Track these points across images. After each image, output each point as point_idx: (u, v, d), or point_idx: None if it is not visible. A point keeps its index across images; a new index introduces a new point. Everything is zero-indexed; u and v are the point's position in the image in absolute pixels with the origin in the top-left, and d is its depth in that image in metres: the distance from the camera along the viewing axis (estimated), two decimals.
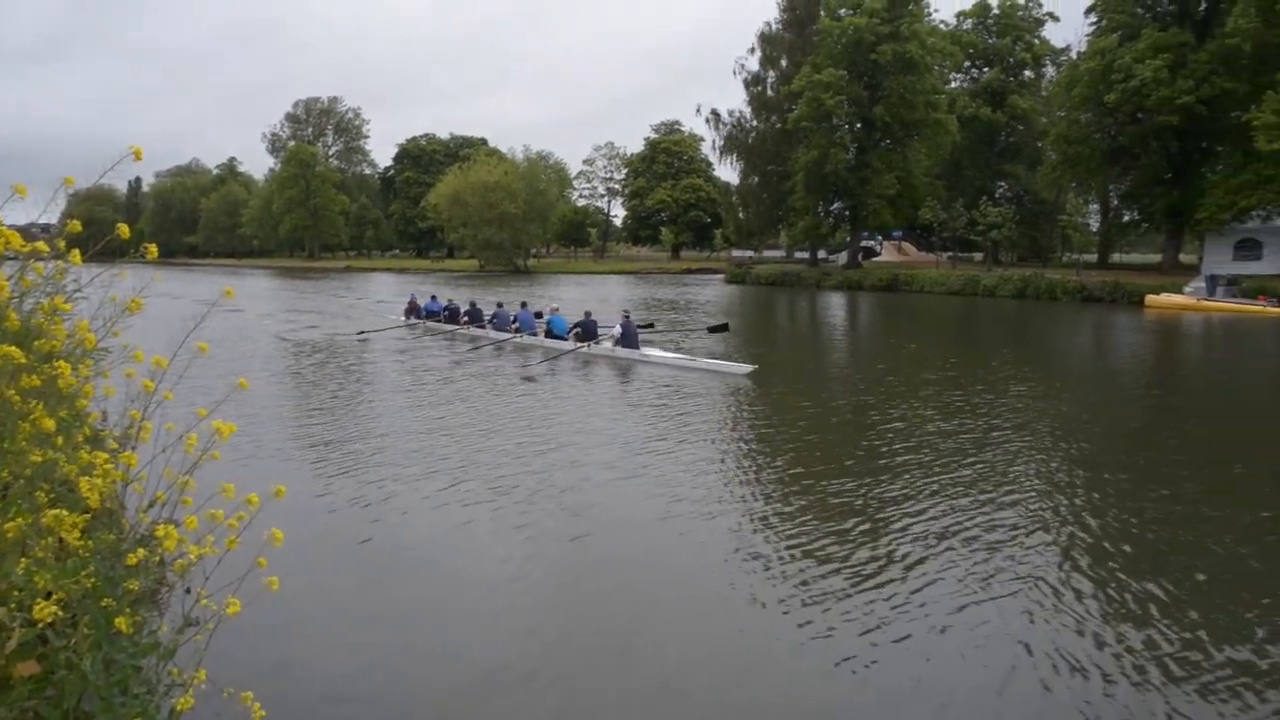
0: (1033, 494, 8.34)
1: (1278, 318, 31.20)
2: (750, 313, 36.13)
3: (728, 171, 78.71)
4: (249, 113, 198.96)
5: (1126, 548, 6.88)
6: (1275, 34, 37.65)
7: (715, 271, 69.35)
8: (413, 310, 25.38)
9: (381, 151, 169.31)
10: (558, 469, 9.13)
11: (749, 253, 77.40)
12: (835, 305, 40.29)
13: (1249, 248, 45.04)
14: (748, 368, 15.95)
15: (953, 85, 60.92)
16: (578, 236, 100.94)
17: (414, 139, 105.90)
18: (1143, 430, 12.03)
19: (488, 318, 22.15)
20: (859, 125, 54.59)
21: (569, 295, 42.34)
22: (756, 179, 61.99)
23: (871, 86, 52.42)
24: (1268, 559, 6.65)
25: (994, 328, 30.57)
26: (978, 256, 59.05)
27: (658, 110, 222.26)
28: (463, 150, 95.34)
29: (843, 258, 61.26)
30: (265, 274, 73.17)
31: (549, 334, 19.86)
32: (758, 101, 60.77)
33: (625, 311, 18.91)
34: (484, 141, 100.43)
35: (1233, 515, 7.79)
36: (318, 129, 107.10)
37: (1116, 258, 61.10)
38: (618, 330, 18.12)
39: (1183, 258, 49.44)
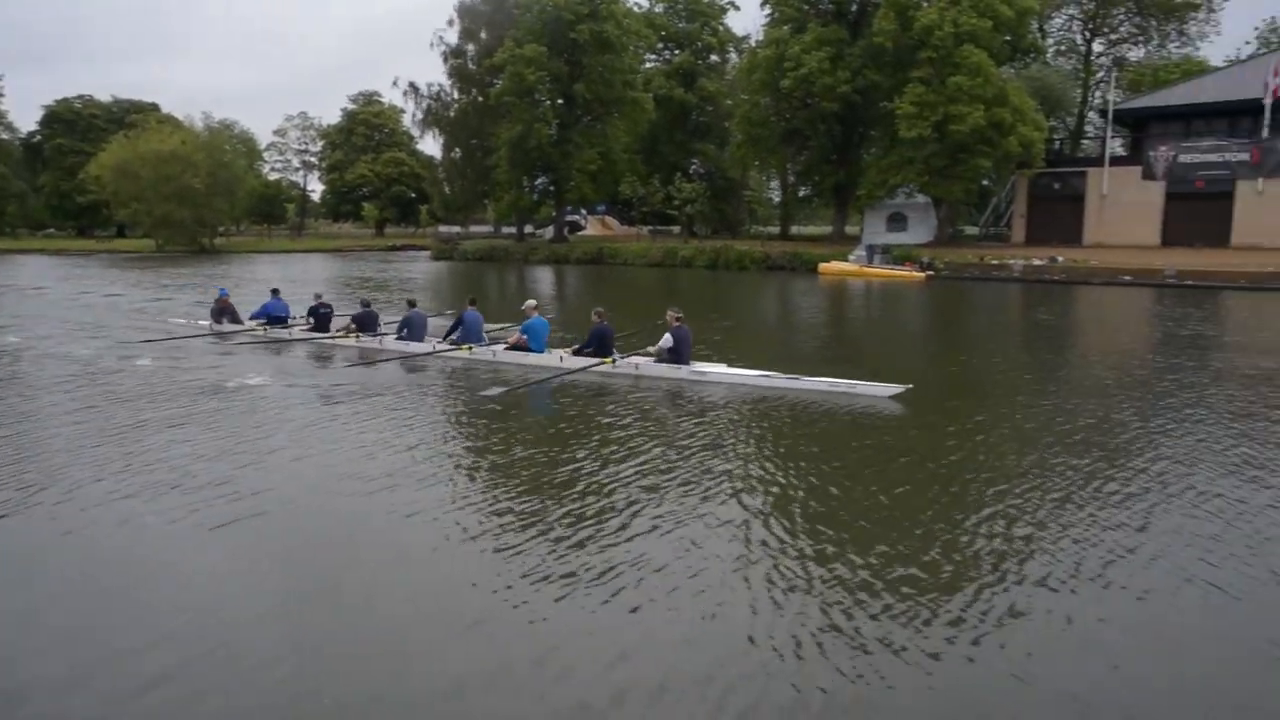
0: (690, 450, 8.98)
1: (920, 281, 36.29)
2: (459, 288, 35.68)
3: (431, 145, 76.97)
4: None
5: (747, 493, 7.62)
6: (909, 36, 43.24)
7: (422, 248, 67.83)
8: (225, 312, 18.62)
9: (23, 115, 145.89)
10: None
11: (456, 229, 76.37)
12: (543, 279, 40.87)
13: (898, 220, 51.79)
14: (893, 388, 11.32)
15: (648, 65, 63.75)
16: (272, 213, 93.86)
17: (65, 101, 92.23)
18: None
19: (386, 324, 16.37)
20: (561, 101, 55.49)
21: (265, 275, 39.40)
22: (460, 153, 61.13)
23: (572, 63, 53.40)
24: (868, 493, 7.69)
25: (688, 295, 32.53)
26: (676, 230, 62.54)
27: (356, 81, 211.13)
28: (129, 116, 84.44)
29: (549, 232, 62.30)
30: None
31: (524, 346, 14.05)
32: (458, 74, 59.73)
33: (678, 315, 12.90)
34: (155, 107, 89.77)
35: (845, 455, 8.97)
36: None
37: (796, 230, 67.54)
38: (668, 341, 12.75)
39: (849, 229, 55.58)
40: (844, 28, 49.38)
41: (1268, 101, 42.04)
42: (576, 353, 13.52)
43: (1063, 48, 67.37)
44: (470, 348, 14.40)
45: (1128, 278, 35.07)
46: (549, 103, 55.14)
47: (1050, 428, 9.96)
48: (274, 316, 17.78)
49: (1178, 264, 35.57)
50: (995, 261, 39.10)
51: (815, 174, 55.36)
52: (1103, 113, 51.31)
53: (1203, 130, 45.56)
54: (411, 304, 15.94)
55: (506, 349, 14.08)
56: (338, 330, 16.62)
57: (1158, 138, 46.52)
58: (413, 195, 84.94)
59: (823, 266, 39.90)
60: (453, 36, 59.26)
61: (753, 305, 28.76)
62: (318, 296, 17.77)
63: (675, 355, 12.70)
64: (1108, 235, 45.68)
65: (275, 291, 18.81)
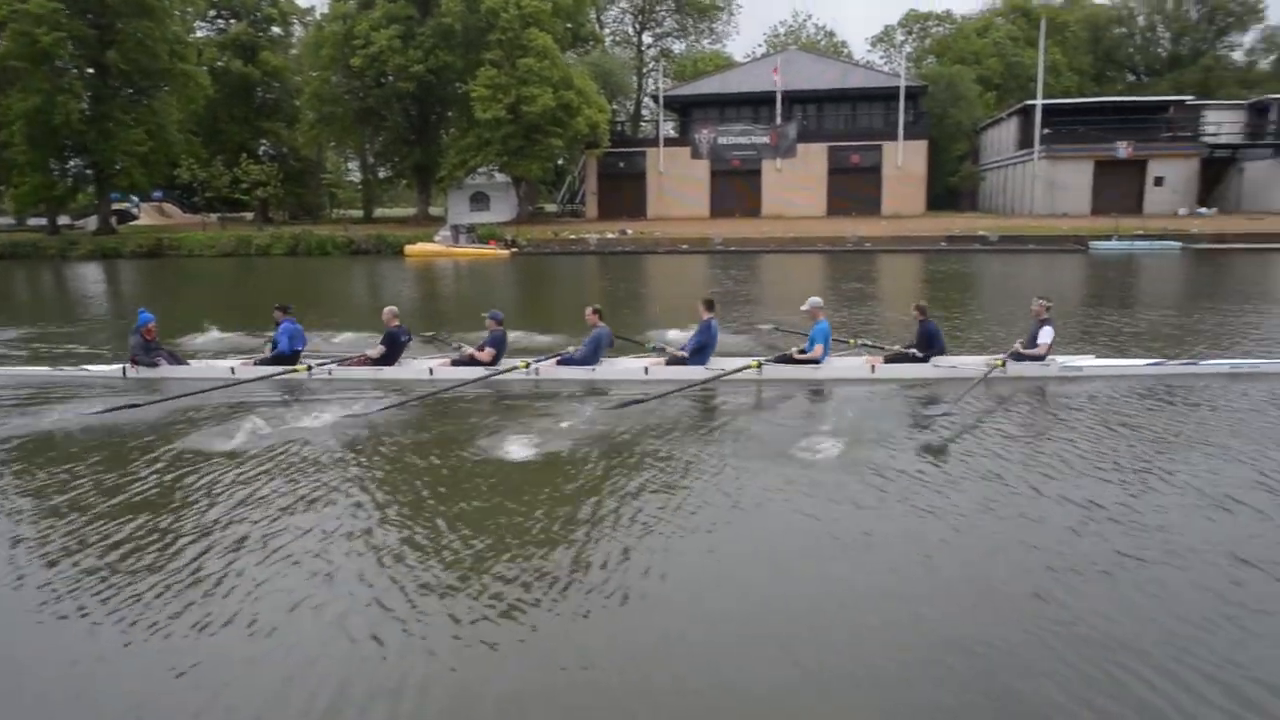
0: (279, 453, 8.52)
1: (505, 258, 37.48)
2: None
3: None
4: None
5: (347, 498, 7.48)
6: (477, 19, 44.09)
7: None
8: (153, 348, 11.59)
9: None
10: None
11: None
12: (89, 278, 35.36)
13: (481, 200, 52.97)
14: None
15: (199, 35, 57.60)
16: None
17: None
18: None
19: (458, 344, 11.91)
20: (91, 70, 48.04)
21: None
22: None
23: (101, 26, 46.39)
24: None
25: (267, 286, 30.34)
26: (249, 216, 57.69)
27: None
28: None
29: (92, 223, 53.90)
30: None
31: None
32: None
33: (1047, 305, 10.52)
34: None
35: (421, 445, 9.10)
36: None
37: (380, 212, 65.92)
38: (1048, 338, 10.36)
39: (433, 210, 55.53)
40: (413, 6, 48.78)
41: (779, 92, 49.66)
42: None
43: (618, 38, 73.51)
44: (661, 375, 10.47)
45: (686, 246, 39.44)
46: (75, 71, 47.42)
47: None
48: (144, 348, 11.38)
49: (724, 233, 40.81)
50: (573, 236, 41.66)
51: (394, 154, 54.45)
52: (655, 98, 56.78)
53: (734, 116, 52.63)
54: (499, 321, 11.17)
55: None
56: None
57: (700, 121, 52.79)
58: None
59: (409, 248, 39.48)
60: None
61: (335, 293, 27.66)
62: (395, 315, 11.36)
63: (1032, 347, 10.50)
64: (667, 209, 50.92)
65: (285, 309, 11.67)
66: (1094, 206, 46.04)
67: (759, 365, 10.27)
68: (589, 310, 11.04)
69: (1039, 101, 46.33)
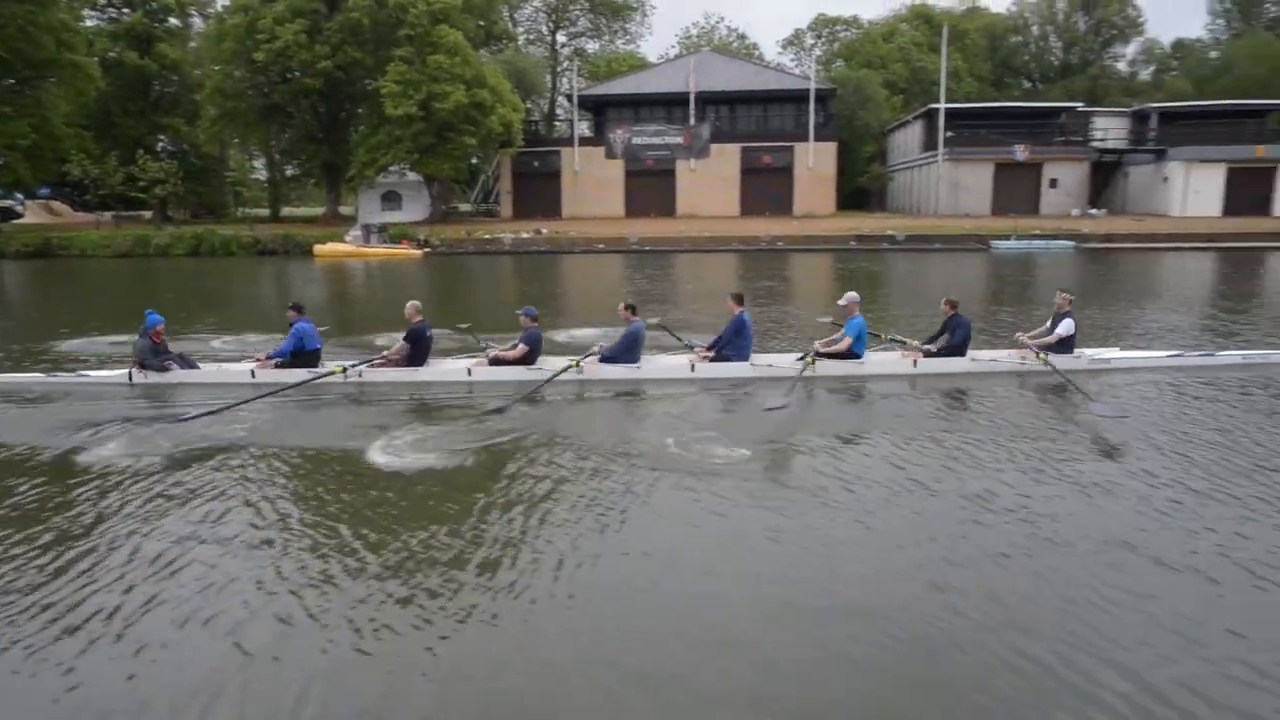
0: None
1: (418, 258, 36.88)
2: None
3: None
4: None
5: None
6: (386, 14, 43.24)
7: None
8: (161, 353, 10.79)
9: None
10: None
11: None
12: None
13: (393, 199, 52.00)
14: None
15: (89, 24, 54.83)
16: None
17: None
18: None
19: (485, 344, 11.70)
20: None
21: None
22: None
23: None
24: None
25: (167, 287, 29.17)
26: (148, 215, 55.27)
27: None
28: None
29: None
30: None
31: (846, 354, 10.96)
32: None
33: (1070, 298, 11.14)
34: None
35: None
36: None
37: (288, 211, 64.00)
38: (1068, 328, 10.88)
39: (344, 209, 54.18)
40: (320, 0, 47.48)
41: (692, 93, 50.18)
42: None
43: (532, 37, 73.12)
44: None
45: (601, 246, 39.47)
46: None
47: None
48: (152, 355, 10.60)
49: (639, 233, 40.99)
50: (487, 236, 41.26)
51: (301, 152, 52.90)
52: (569, 98, 56.66)
53: (648, 117, 52.91)
54: (533, 317, 10.91)
55: (820, 359, 10.73)
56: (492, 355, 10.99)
57: (615, 121, 52.90)
58: None
59: (318, 248, 38.44)
60: None
61: (242, 295, 26.80)
62: (418, 310, 10.88)
63: (1066, 345, 10.84)
64: (582, 208, 50.89)
65: (298, 307, 11.13)
66: (994, 207, 47.91)
67: (813, 361, 10.54)
68: (621, 306, 11.04)
69: (942, 105, 47.95)
